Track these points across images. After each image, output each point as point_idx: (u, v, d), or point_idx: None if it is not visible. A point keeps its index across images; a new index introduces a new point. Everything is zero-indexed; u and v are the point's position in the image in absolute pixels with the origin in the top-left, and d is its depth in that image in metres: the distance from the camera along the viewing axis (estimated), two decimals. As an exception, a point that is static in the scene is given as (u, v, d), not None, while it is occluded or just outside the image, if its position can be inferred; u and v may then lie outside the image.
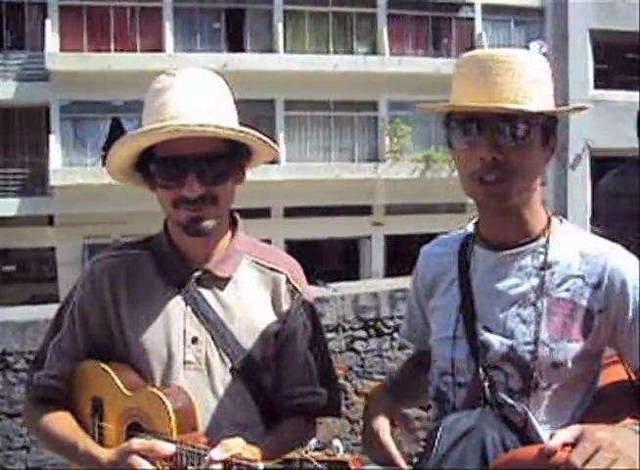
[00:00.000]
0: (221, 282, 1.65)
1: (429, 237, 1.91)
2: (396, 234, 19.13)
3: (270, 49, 18.78)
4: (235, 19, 18.85)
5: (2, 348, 4.51)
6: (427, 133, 18.86)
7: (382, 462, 1.49)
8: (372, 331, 5.23)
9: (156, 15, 18.26)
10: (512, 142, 1.41)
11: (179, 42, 18.49)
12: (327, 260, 19.56)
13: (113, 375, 1.58)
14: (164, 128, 1.49)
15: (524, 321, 1.46)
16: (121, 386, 1.57)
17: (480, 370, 1.47)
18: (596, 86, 19.29)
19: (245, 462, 1.25)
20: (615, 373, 1.51)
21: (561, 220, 1.56)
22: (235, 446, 1.35)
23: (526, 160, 1.43)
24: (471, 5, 20.12)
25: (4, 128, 17.80)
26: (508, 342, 1.46)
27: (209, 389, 1.61)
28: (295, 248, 14.16)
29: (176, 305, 1.62)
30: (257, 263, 1.70)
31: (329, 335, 4.88)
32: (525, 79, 1.40)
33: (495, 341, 1.47)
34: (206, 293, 1.64)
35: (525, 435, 1.41)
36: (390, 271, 17.25)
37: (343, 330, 5.14)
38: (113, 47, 18.03)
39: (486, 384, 1.46)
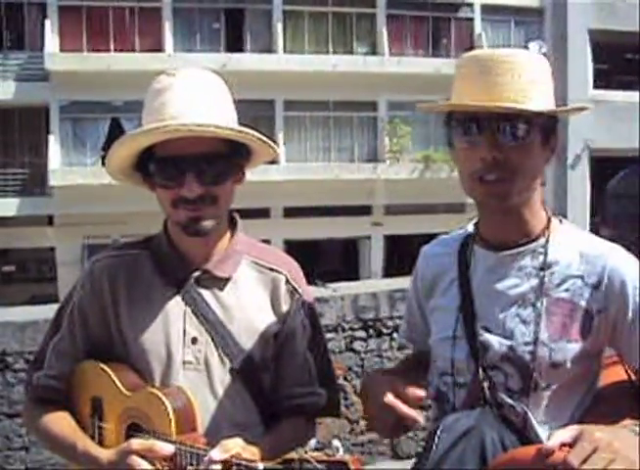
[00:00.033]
0: (221, 282, 1.65)
1: (428, 237, 1.92)
2: (396, 234, 19.15)
3: (269, 49, 18.79)
4: (234, 19, 18.86)
5: (1, 348, 4.50)
6: (426, 133, 18.88)
7: (389, 433, 1.45)
8: (371, 331, 5.23)
9: (155, 15, 18.27)
10: (512, 142, 1.41)
11: (178, 42, 18.50)
12: (326, 261, 19.57)
13: (112, 375, 1.58)
14: (164, 128, 1.49)
15: (523, 321, 1.46)
16: (121, 386, 1.56)
17: (480, 370, 1.47)
18: (595, 86, 19.32)
19: (244, 462, 1.25)
20: (615, 373, 1.51)
21: (561, 221, 1.56)
22: (234, 447, 1.34)
23: (527, 159, 1.43)
24: (470, 5, 20.14)
25: (3, 128, 17.82)
26: (507, 342, 1.46)
27: (209, 389, 1.61)
28: (294, 248, 14.19)
29: (176, 306, 1.62)
30: (257, 264, 1.69)
31: (328, 335, 4.87)
32: (525, 79, 1.40)
33: (495, 341, 1.47)
34: (206, 293, 1.64)
35: (525, 435, 1.41)
36: (390, 271, 17.26)
37: (343, 330, 5.13)
38: (112, 47, 18.05)
39: (486, 384, 1.46)
